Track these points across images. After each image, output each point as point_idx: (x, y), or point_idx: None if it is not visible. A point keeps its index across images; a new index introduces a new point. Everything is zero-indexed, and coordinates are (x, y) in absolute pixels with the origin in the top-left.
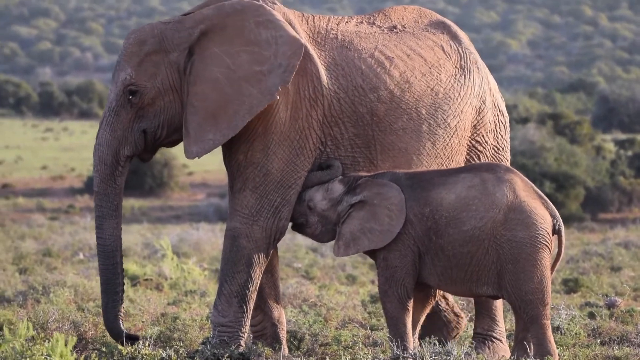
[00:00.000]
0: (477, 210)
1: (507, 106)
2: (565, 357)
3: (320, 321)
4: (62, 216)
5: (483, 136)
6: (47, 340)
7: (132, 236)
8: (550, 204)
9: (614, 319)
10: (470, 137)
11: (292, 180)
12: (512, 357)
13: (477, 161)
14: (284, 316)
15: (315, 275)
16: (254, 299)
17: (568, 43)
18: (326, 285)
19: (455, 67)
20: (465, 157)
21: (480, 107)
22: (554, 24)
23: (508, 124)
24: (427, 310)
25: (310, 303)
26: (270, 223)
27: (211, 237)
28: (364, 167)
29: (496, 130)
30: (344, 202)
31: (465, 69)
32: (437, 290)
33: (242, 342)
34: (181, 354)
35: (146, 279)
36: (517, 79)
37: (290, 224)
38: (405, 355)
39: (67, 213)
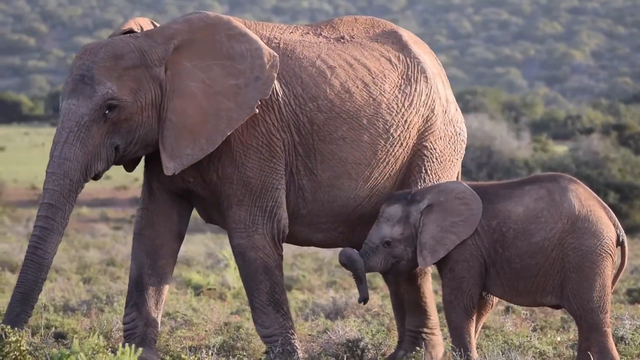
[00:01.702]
0: (547, 222)
1: (570, 117)
2: None
3: (383, 331)
4: (125, 226)
5: (431, 143)
6: (111, 350)
7: (195, 246)
8: (613, 214)
9: None
10: (417, 143)
11: (275, 182)
12: None
13: (423, 166)
14: (158, 321)
15: (379, 285)
16: (287, 299)
17: (632, 54)
18: (387, 295)
19: (401, 77)
20: (410, 164)
21: (428, 116)
22: (618, 34)
23: (461, 136)
24: (484, 320)
25: (373, 313)
26: (269, 227)
27: None
28: (304, 176)
29: (445, 139)
30: (413, 213)
31: (412, 79)
32: (494, 299)
33: (296, 344)
34: None
35: (209, 289)
36: (581, 89)
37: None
38: None
39: (130, 223)
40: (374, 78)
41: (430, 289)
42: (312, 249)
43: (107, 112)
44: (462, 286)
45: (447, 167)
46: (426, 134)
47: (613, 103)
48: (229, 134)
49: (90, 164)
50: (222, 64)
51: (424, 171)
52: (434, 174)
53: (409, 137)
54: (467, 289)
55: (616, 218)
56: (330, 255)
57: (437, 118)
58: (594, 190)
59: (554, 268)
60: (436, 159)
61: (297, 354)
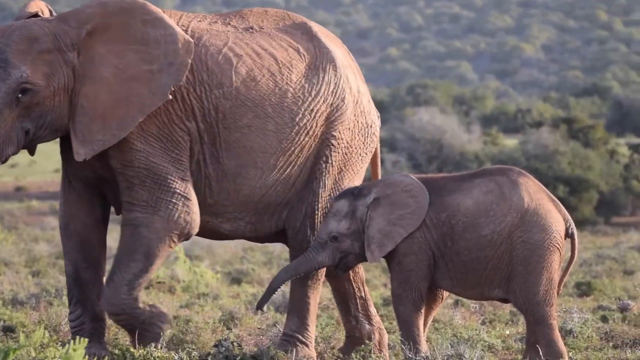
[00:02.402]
0: (496, 215)
1: (520, 110)
2: None
3: (333, 324)
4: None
5: (340, 132)
6: (61, 344)
7: None
8: (563, 207)
9: (626, 322)
10: (324, 132)
11: (181, 173)
12: None
13: (329, 156)
14: (105, 313)
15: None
16: (141, 290)
17: (582, 47)
18: None
19: (309, 67)
20: (316, 153)
21: (337, 105)
22: (568, 28)
23: (372, 129)
24: (435, 313)
25: (322, 306)
26: (173, 214)
27: (224, 241)
28: (210, 164)
29: (354, 130)
30: (360, 207)
31: (320, 69)
32: (444, 293)
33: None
34: (193, 356)
35: (159, 282)
36: (531, 83)
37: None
38: (417, 358)
39: None
40: (280, 67)
41: (317, 300)
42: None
43: (19, 95)
44: (410, 279)
45: (353, 160)
46: (335, 123)
47: (563, 96)
48: (141, 120)
49: (2, 147)
50: (136, 49)
51: (329, 162)
52: (338, 165)
53: (316, 126)
54: (416, 282)
55: (566, 211)
56: (280, 248)
57: (347, 108)
58: (543, 183)
59: (502, 261)
60: (342, 150)
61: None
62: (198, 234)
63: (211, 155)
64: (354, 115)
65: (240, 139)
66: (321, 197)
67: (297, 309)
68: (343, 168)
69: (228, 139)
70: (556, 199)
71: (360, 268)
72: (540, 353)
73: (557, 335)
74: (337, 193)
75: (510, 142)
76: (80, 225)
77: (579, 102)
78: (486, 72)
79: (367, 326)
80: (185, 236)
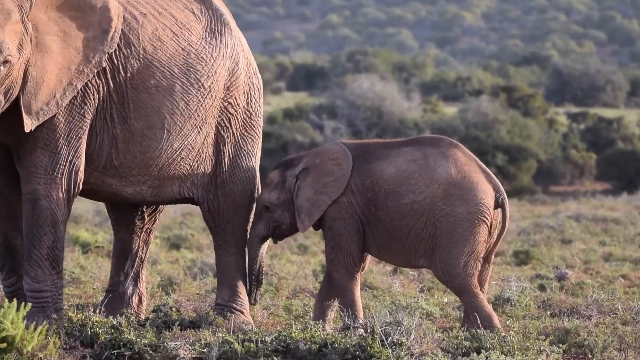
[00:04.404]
0: (417, 184)
1: (460, 78)
2: (515, 329)
3: (272, 290)
4: None
5: (235, 98)
6: None
7: (83, 204)
8: (494, 177)
9: (564, 291)
10: (222, 98)
11: (81, 131)
12: (462, 328)
13: (230, 124)
14: None
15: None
16: (62, 257)
17: (522, 16)
18: (277, 254)
19: (205, 30)
20: (217, 120)
21: (233, 69)
22: None
23: (262, 88)
24: (359, 279)
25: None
26: (67, 179)
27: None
28: (118, 125)
29: (250, 93)
30: (289, 178)
31: (216, 32)
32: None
33: (61, 305)
34: (132, 321)
35: (97, 246)
36: (471, 51)
37: (269, 240)
38: (355, 325)
39: None
40: (181, 28)
41: (245, 266)
42: None
43: (1, 67)
44: (341, 243)
45: (253, 123)
46: (231, 88)
47: (503, 65)
48: (80, 88)
49: None
50: (73, 15)
51: (230, 130)
52: (239, 132)
53: (217, 90)
54: (347, 246)
55: (497, 182)
56: None
57: (241, 72)
58: (482, 152)
59: (425, 232)
60: (240, 115)
61: (62, 315)
62: (98, 197)
63: (119, 115)
64: (248, 78)
65: (148, 99)
66: (226, 165)
67: (227, 279)
68: (245, 134)
69: (136, 100)
70: (487, 170)
71: (152, 231)
72: (478, 320)
73: (482, 299)
74: (243, 160)
75: (449, 110)
76: (6, 195)
77: (518, 71)
78: (426, 40)
79: (132, 287)
80: (76, 195)
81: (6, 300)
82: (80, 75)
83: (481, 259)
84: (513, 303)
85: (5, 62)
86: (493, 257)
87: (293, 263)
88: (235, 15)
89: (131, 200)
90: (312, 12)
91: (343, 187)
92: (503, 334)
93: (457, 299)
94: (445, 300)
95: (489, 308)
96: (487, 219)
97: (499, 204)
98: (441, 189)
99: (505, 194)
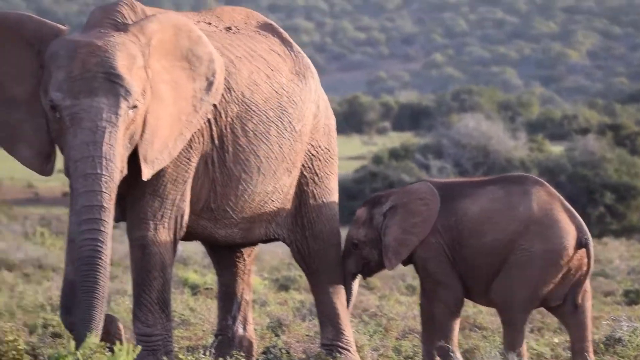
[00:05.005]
0: (499, 223)
1: (566, 116)
2: None
3: (381, 331)
4: (122, 225)
5: (317, 140)
6: (109, 349)
7: (192, 245)
8: (578, 217)
9: None
10: (307, 141)
11: (187, 175)
12: None
13: (313, 165)
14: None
15: (376, 285)
16: (170, 300)
17: (628, 54)
18: (386, 295)
19: (292, 72)
20: (304, 161)
21: (316, 112)
22: (613, 34)
23: (334, 129)
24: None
25: (370, 313)
26: (174, 223)
27: (271, 247)
28: (217, 168)
29: (329, 134)
30: (376, 216)
31: (301, 74)
32: None
33: (172, 347)
34: None
35: (206, 288)
36: (577, 89)
37: (360, 276)
38: None
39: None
40: (272, 71)
41: (345, 303)
42: None
43: (130, 112)
44: (437, 281)
45: (332, 163)
46: (314, 131)
47: (609, 103)
48: (189, 138)
49: (122, 166)
50: (182, 66)
51: (313, 171)
52: (323, 172)
53: (305, 133)
54: (443, 282)
55: (582, 222)
56: None
57: (322, 114)
58: (590, 190)
59: (501, 267)
60: (322, 156)
61: (172, 358)
62: (189, 239)
63: (219, 159)
64: (327, 119)
65: (246, 143)
66: (311, 206)
67: (328, 317)
68: (326, 173)
69: (235, 144)
70: (572, 210)
71: (251, 272)
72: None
73: (521, 340)
74: (327, 199)
75: (556, 149)
76: None
77: (625, 108)
78: (531, 78)
79: (241, 331)
80: (182, 235)
81: (69, 334)
82: (190, 125)
83: (540, 300)
84: (624, 343)
85: (134, 106)
86: (584, 298)
87: (402, 304)
88: (340, 55)
89: (222, 242)
90: (416, 52)
91: (430, 227)
92: None
93: (568, 339)
94: (556, 340)
95: (523, 349)
96: (563, 259)
97: (582, 244)
98: (522, 226)
99: (589, 234)
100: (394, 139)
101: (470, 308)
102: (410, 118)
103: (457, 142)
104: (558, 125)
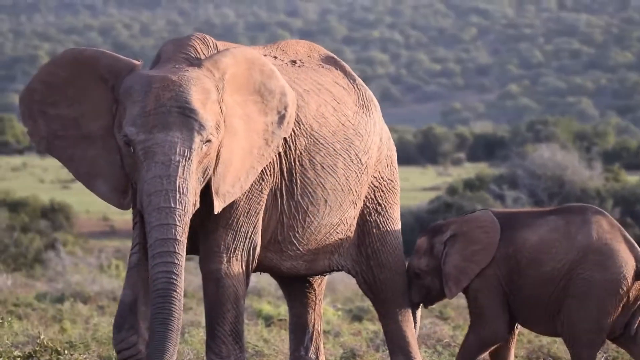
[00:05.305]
0: (557, 252)
1: None
2: None
3: None
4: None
5: (380, 172)
6: None
7: (266, 277)
8: (637, 247)
9: None
10: (371, 173)
11: (259, 207)
12: None
13: (375, 196)
14: None
15: (449, 315)
16: (243, 331)
17: None
18: (460, 325)
19: (356, 104)
20: (367, 192)
21: (379, 144)
22: None
23: (395, 160)
24: (513, 346)
25: (444, 343)
26: (247, 255)
27: (344, 278)
28: (285, 201)
29: (391, 165)
30: (437, 244)
31: (364, 106)
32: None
33: None
34: None
35: (280, 319)
36: None
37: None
38: None
39: None
40: (338, 103)
41: (414, 331)
42: None
43: (204, 146)
44: (483, 315)
45: (394, 194)
46: (377, 163)
47: None
48: (260, 171)
49: (194, 201)
50: (254, 99)
51: (376, 201)
52: (385, 202)
53: (370, 166)
54: (488, 319)
55: None
56: None
57: (384, 145)
58: None
59: (560, 296)
60: (385, 187)
61: None
62: (257, 269)
63: (287, 192)
64: (388, 150)
65: (314, 176)
66: (375, 236)
67: (398, 346)
68: (391, 202)
69: (303, 176)
70: (632, 240)
71: (322, 302)
72: None
73: None
74: (391, 228)
75: (632, 179)
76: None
77: None
78: (607, 108)
79: None
80: (255, 265)
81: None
82: (261, 159)
83: (606, 331)
84: None
85: (208, 141)
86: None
87: None
88: (415, 86)
89: (286, 274)
90: (491, 82)
91: (491, 255)
92: None
93: None
94: None
95: None
96: (623, 288)
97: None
98: (580, 254)
99: None
100: (469, 170)
101: (544, 338)
102: (485, 149)
103: (532, 172)
104: (634, 155)
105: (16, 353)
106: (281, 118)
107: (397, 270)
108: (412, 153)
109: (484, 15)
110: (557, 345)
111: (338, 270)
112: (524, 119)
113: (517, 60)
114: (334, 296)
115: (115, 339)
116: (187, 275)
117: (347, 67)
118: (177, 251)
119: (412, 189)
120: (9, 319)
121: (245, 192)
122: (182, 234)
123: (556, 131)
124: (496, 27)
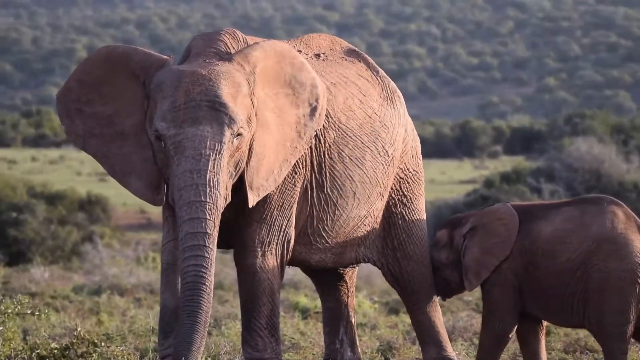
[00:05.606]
0: (572, 242)
1: None
2: None
3: None
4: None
5: (406, 163)
6: None
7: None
8: None
9: None
10: (397, 165)
11: (292, 200)
12: None
13: (399, 186)
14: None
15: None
16: (279, 324)
17: None
18: None
19: (381, 96)
20: (393, 184)
21: (404, 136)
22: None
23: (419, 151)
24: (543, 339)
25: (511, 355)
26: (281, 248)
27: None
28: (315, 194)
29: (416, 156)
30: (456, 237)
31: (389, 99)
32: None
33: None
34: None
35: (317, 312)
36: None
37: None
38: None
39: None
40: (365, 96)
41: (442, 321)
42: None
43: (235, 139)
44: (496, 311)
45: (419, 184)
46: (403, 154)
47: None
48: (293, 164)
49: (226, 192)
50: (285, 92)
51: (401, 193)
52: (411, 193)
53: (397, 157)
54: (500, 314)
55: None
56: None
57: (409, 137)
58: None
59: (577, 289)
60: (410, 178)
61: None
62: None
63: (317, 185)
64: (413, 141)
65: (343, 169)
66: (401, 227)
67: (429, 336)
68: (416, 194)
69: (332, 169)
70: None
71: (354, 293)
72: None
73: None
74: (416, 220)
75: None
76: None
77: None
78: None
79: (349, 353)
80: (288, 261)
81: None
82: (294, 151)
83: (632, 321)
84: None
85: (239, 134)
86: None
87: None
88: (452, 80)
89: (314, 266)
90: (528, 76)
91: (510, 248)
92: None
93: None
94: None
95: None
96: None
97: None
98: (595, 244)
99: None
100: (506, 163)
101: (581, 330)
102: (522, 142)
103: (569, 165)
104: None
105: (53, 345)
106: (313, 110)
107: (423, 261)
108: (449, 146)
109: (521, 8)
110: (594, 339)
111: (364, 262)
112: (561, 112)
113: (554, 53)
114: (371, 289)
115: (161, 345)
116: (223, 268)
117: (370, 59)
118: (207, 245)
119: (449, 182)
120: (46, 311)
121: (278, 186)
122: (213, 228)
123: (593, 124)
124: (533, 21)
